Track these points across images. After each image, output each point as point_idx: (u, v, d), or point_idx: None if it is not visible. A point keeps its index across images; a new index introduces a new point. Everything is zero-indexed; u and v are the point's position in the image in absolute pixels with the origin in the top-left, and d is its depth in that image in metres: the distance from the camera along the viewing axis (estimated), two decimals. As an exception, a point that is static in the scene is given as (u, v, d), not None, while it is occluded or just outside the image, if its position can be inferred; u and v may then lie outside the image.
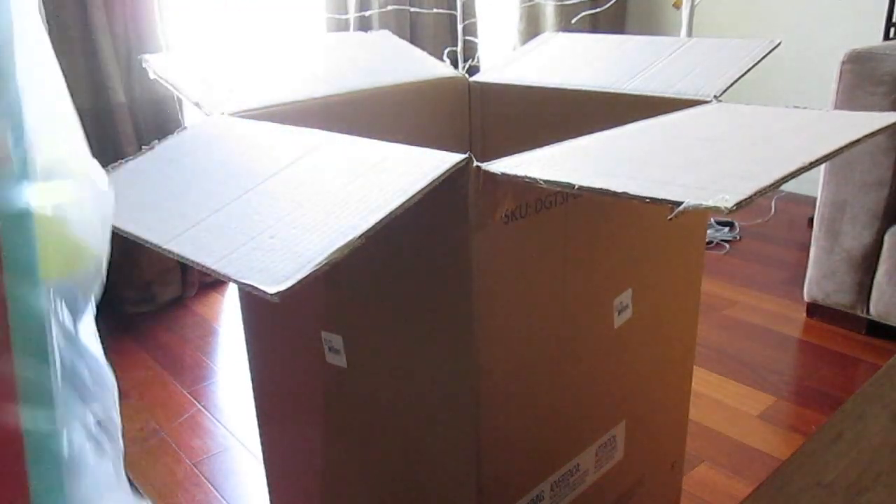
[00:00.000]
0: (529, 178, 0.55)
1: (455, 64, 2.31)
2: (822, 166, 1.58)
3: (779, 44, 0.88)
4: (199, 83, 0.84)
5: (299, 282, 0.46)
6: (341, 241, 0.48)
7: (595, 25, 2.79)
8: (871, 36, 2.40)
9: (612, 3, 2.68)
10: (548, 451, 0.74)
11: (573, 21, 2.61)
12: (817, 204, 1.62)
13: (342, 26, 2.17)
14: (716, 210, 0.47)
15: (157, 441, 1.32)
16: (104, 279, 0.46)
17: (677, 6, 2.20)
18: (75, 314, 0.43)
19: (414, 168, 0.55)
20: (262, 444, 0.93)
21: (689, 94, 0.84)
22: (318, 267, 0.47)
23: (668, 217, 0.48)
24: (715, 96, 0.82)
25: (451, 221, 0.59)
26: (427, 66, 1.06)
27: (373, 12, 2.20)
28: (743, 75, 0.85)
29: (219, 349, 1.66)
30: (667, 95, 0.86)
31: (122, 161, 0.74)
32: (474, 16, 2.42)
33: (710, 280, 1.96)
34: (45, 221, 0.39)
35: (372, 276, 0.68)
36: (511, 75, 1.04)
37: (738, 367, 1.52)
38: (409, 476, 0.74)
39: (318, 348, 0.76)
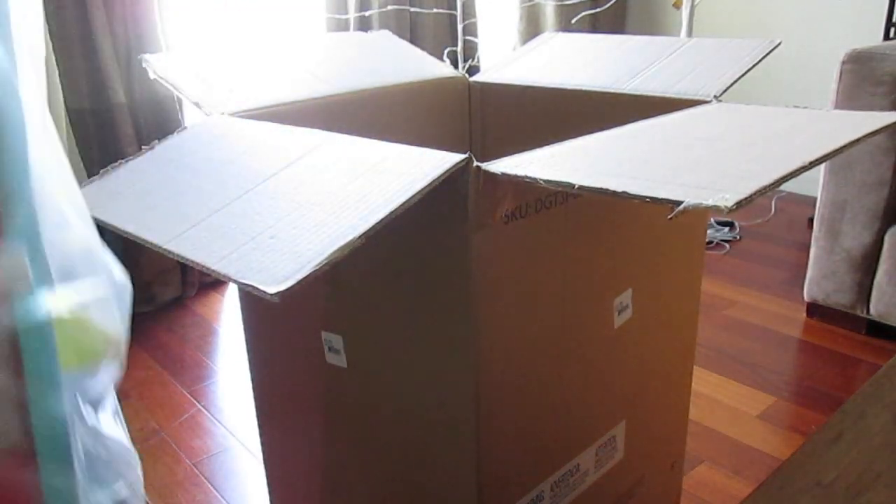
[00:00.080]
0: (529, 178, 0.55)
1: (455, 64, 2.31)
2: (822, 166, 1.58)
3: (779, 44, 0.88)
4: (199, 83, 0.84)
5: (299, 282, 0.46)
6: (341, 241, 0.48)
7: (595, 25, 2.79)
8: (871, 36, 2.40)
9: (612, 3, 2.68)
10: (548, 451, 0.74)
11: (573, 21, 2.61)
12: (817, 204, 1.62)
13: (342, 26, 2.17)
14: (716, 210, 0.47)
15: (157, 441, 1.32)
16: (125, 363, 0.47)
17: (677, 6, 2.20)
18: (97, 403, 0.45)
19: (414, 168, 0.55)
20: (262, 444, 0.93)
21: (689, 94, 0.84)
22: (318, 267, 0.47)
23: (668, 217, 0.48)
24: (715, 96, 0.82)
25: (451, 221, 0.59)
26: (427, 66, 1.06)
27: (373, 12, 2.20)
28: (743, 75, 0.85)
29: (219, 349, 1.66)
30: (667, 95, 0.86)
31: (122, 161, 0.74)
32: (474, 16, 2.42)
33: (710, 280, 1.96)
34: (65, 323, 0.40)
35: (372, 275, 0.68)
36: (511, 75, 1.04)
37: (738, 367, 1.52)
38: (409, 476, 0.74)
39: (318, 348, 0.76)
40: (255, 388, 0.90)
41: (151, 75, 0.84)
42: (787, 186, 2.70)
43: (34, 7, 0.38)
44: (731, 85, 0.84)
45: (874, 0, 2.37)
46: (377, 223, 0.50)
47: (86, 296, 0.43)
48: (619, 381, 0.81)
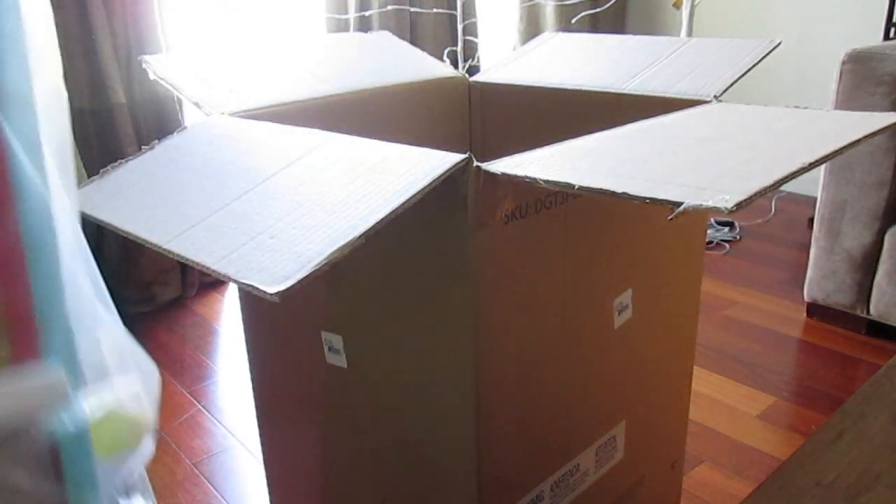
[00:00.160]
0: (529, 178, 0.55)
1: (455, 64, 2.31)
2: (823, 166, 1.58)
3: (779, 44, 0.88)
4: (199, 83, 0.84)
5: (299, 282, 0.46)
6: (341, 241, 0.48)
7: (595, 25, 2.79)
8: (871, 36, 2.40)
9: (612, 3, 2.68)
10: (548, 451, 0.74)
11: (573, 21, 2.61)
12: (817, 204, 1.62)
13: (342, 26, 2.17)
14: (716, 210, 0.47)
15: (157, 441, 1.32)
16: (153, 447, 0.49)
17: (677, 6, 2.20)
18: (130, 487, 0.46)
19: (414, 168, 0.55)
20: (262, 444, 0.93)
21: (689, 94, 0.84)
22: (318, 267, 0.47)
23: (668, 217, 0.48)
24: (715, 96, 0.82)
25: (451, 221, 0.59)
26: (427, 66, 1.06)
27: (373, 12, 2.20)
28: (743, 75, 0.85)
29: (219, 349, 1.66)
30: (667, 95, 0.86)
31: (122, 161, 0.74)
32: (474, 16, 2.42)
33: (710, 280, 1.96)
34: (99, 422, 0.42)
35: (372, 276, 0.68)
36: (511, 75, 1.04)
37: (738, 367, 1.52)
38: (409, 476, 0.74)
39: (318, 348, 0.76)
40: (255, 388, 0.90)
41: (151, 76, 0.84)
42: (787, 186, 2.70)
43: (62, 109, 0.39)
44: (731, 85, 0.84)
45: (874, 0, 2.37)
46: (377, 223, 0.50)
47: (119, 394, 0.45)
48: (619, 381, 0.81)
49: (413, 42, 2.26)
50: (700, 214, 0.89)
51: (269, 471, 0.94)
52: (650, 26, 3.00)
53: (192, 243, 0.55)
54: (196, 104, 0.81)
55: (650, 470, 0.92)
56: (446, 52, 2.33)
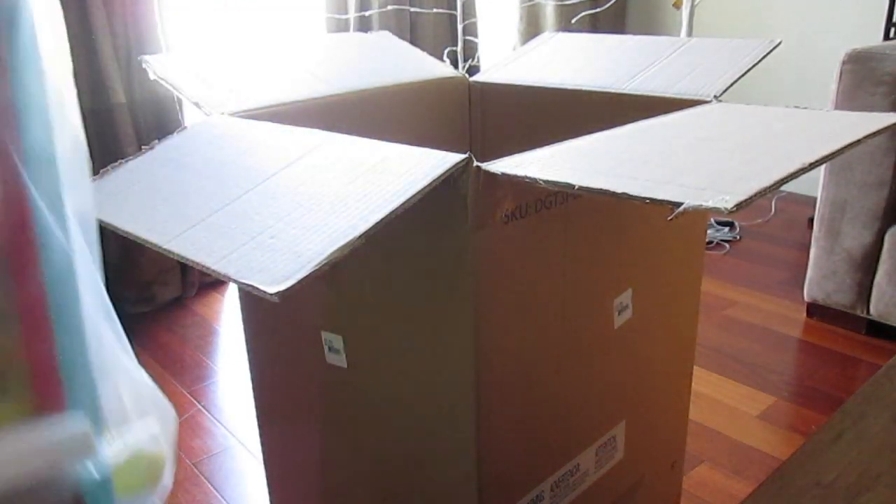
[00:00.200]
0: (529, 178, 0.55)
1: (455, 64, 2.31)
2: (823, 166, 1.58)
3: (779, 44, 0.88)
4: (199, 83, 0.84)
5: (299, 282, 0.46)
6: (341, 241, 0.48)
7: (595, 25, 2.79)
8: (871, 36, 2.40)
9: (612, 3, 2.68)
10: (548, 451, 0.74)
11: (573, 21, 2.61)
12: (817, 204, 1.62)
13: (342, 26, 2.17)
14: (716, 210, 0.47)
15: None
16: (171, 481, 0.50)
17: (677, 6, 2.20)
18: None
19: (414, 168, 0.55)
20: (262, 444, 0.93)
21: (689, 94, 0.84)
22: (318, 267, 0.47)
23: (668, 217, 0.48)
24: (715, 96, 0.82)
25: (451, 221, 0.59)
26: (427, 66, 1.06)
27: (373, 12, 2.20)
28: (743, 75, 0.85)
29: (219, 349, 1.66)
30: (667, 95, 0.86)
31: (122, 161, 0.74)
32: (474, 16, 2.42)
33: (710, 280, 1.96)
34: (120, 467, 0.43)
35: (372, 275, 0.68)
36: (511, 75, 1.04)
37: (738, 367, 1.52)
38: (409, 476, 0.74)
39: (318, 348, 0.76)
40: (255, 388, 0.90)
41: (151, 76, 0.84)
42: (787, 186, 2.70)
43: (84, 174, 0.40)
44: (731, 85, 0.84)
45: (874, 0, 2.37)
46: (377, 223, 0.50)
47: (139, 436, 0.46)
48: (619, 381, 0.81)
49: (413, 42, 2.26)
50: (700, 214, 0.89)
51: (269, 471, 0.94)
52: (650, 26, 3.00)
53: (192, 243, 0.55)
54: (196, 104, 0.81)
55: (650, 470, 0.92)
56: (446, 52, 2.33)
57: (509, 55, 1.09)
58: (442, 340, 0.64)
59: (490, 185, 0.58)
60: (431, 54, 1.12)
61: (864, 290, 1.58)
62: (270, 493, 0.96)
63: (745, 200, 0.47)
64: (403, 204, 0.51)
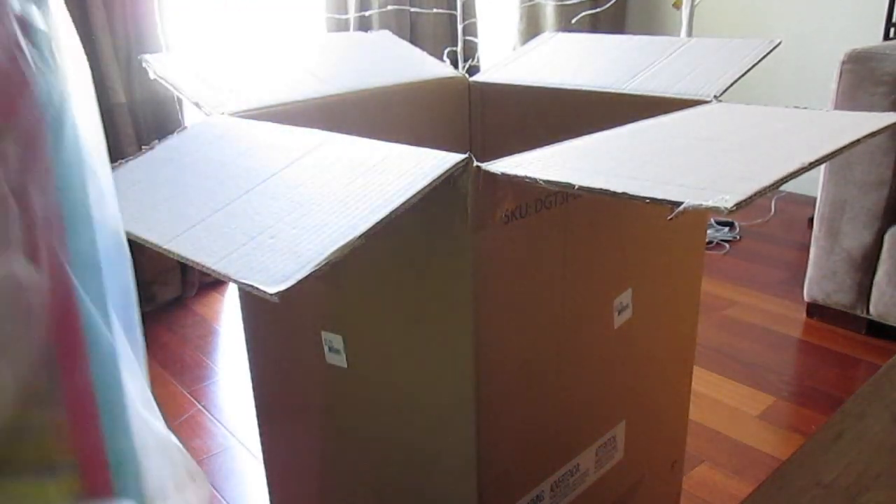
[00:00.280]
0: (529, 178, 0.55)
1: (455, 64, 2.31)
2: (822, 166, 1.58)
3: (779, 44, 0.88)
4: (199, 83, 0.84)
5: (299, 282, 0.46)
6: (341, 241, 0.48)
7: (595, 25, 2.79)
8: (871, 36, 2.40)
9: (612, 3, 2.68)
10: (548, 451, 0.74)
11: (573, 21, 2.61)
12: (817, 204, 1.62)
13: (342, 26, 2.17)
14: (716, 210, 0.47)
15: (157, 441, 1.32)
16: None
17: (677, 6, 2.20)
18: None
19: (414, 168, 0.55)
20: (262, 444, 0.93)
21: (689, 94, 0.84)
22: (318, 267, 0.47)
23: (668, 217, 0.48)
24: (715, 96, 0.82)
25: (451, 221, 0.59)
26: (427, 66, 1.06)
27: (373, 12, 2.20)
28: (743, 75, 0.85)
29: (219, 349, 1.66)
30: (667, 95, 0.86)
31: (122, 161, 0.74)
32: (474, 16, 2.42)
33: (710, 280, 1.96)
34: None
35: (372, 276, 0.68)
36: (511, 75, 1.04)
37: (738, 367, 1.52)
38: (409, 476, 0.74)
39: (318, 348, 0.76)
40: (255, 388, 0.90)
41: (151, 75, 0.84)
42: (786, 186, 2.70)
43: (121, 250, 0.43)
44: (731, 85, 0.84)
45: (874, 0, 2.37)
46: (377, 223, 0.50)
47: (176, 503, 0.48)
48: (619, 381, 0.81)
49: (413, 42, 2.26)
50: (700, 214, 0.89)
51: (269, 471, 0.94)
52: (650, 26, 3.00)
53: (192, 243, 0.55)
54: (196, 104, 0.81)
55: (650, 470, 0.92)
56: (446, 52, 2.33)
57: (509, 55, 1.09)
58: (442, 340, 0.64)
59: (490, 185, 0.58)
60: (431, 54, 1.12)
61: (864, 290, 1.58)
62: (270, 493, 0.96)
63: (745, 200, 0.47)
64: (403, 204, 0.51)
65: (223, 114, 0.80)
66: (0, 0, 0.34)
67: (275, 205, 0.56)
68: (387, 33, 1.13)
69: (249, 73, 0.90)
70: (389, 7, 2.23)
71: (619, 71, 0.94)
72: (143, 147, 0.76)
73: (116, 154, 1.70)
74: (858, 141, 0.60)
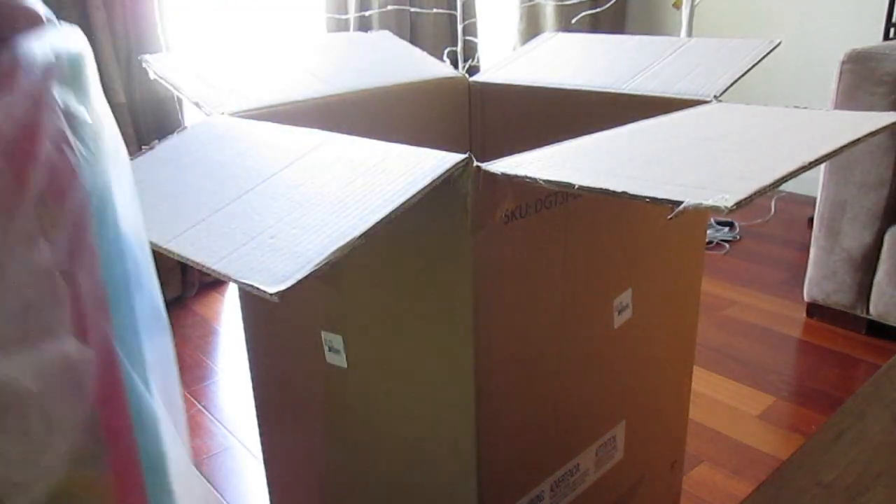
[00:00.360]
0: (529, 178, 0.55)
1: (455, 64, 2.31)
2: (822, 166, 1.58)
3: (779, 44, 0.88)
4: (199, 83, 0.84)
5: (299, 282, 0.46)
6: (341, 241, 0.48)
7: (595, 25, 2.79)
8: (871, 36, 2.40)
9: (612, 3, 2.68)
10: (548, 451, 0.74)
11: (573, 21, 2.61)
12: (817, 204, 1.62)
13: (342, 26, 2.17)
14: (716, 210, 0.47)
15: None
16: None
17: (677, 6, 2.20)
18: None
19: (414, 168, 0.55)
20: (262, 444, 0.93)
21: (689, 94, 0.84)
22: (318, 267, 0.47)
23: (668, 217, 0.48)
24: (715, 96, 0.82)
25: (451, 221, 0.59)
26: (427, 66, 1.06)
27: (373, 12, 2.20)
28: (743, 75, 0.85)
29: (219, 349, 1.66)
30: (667, 95, 0.86)
31: (122, 161, 0.74)
32: (474, 16, 2.42)
33: (710, 280, 1.96)
34: None
35: (372, 275, 0.68)
36: (511, 75, 1.04)
37: (738, 367, 1.52)
38: (408, 476, 0.74)
39: (318, 348, 0.76)
40: (255, 388, 0.90)
41: (151, 75, 0.84)
42: (786, 186, 2.70)
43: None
44: (731, 85, 0.84)
45: (874, 0, 2.38)
46: (377, 223, 0.50)
47: None
48: (619, 381, 0.81)
49: (413, 42, 2.26)
50: (700, 214, 0.89)
51: (269, 471, 0.94)
52: (650, 26, 3.00)
53: (192, 243, 0.55)
54: (196, 104, 0.81)
55: (650, 470, 0.92)
56: (446, 52, 2.33)
57: (509, 55, 1.09)
58: (442, 340, 0.64)
59: (490, 185, 0.58)
60: (431, 54, 1.12)
61: (864, 290, 1.58)
62: (270, 493, 0.96)
63: (745, 199, 0.47)
64: (403, 204, 0.51)
65: (223, 114, 0.80)
66: (49, 97, 0.37)
67: (275, 205, 0.56)
68: (387, 33, 1.13)
69: (249, 73, 0.90)
70: (389, 7, 2.23)
71: (619, 71, 0.94)
72: (143, 147, 0.76)
73: (116, 154, 1.70)
74: (858, 141, 0.60)
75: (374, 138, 0.63)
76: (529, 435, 0.71)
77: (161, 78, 0.83)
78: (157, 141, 0.76)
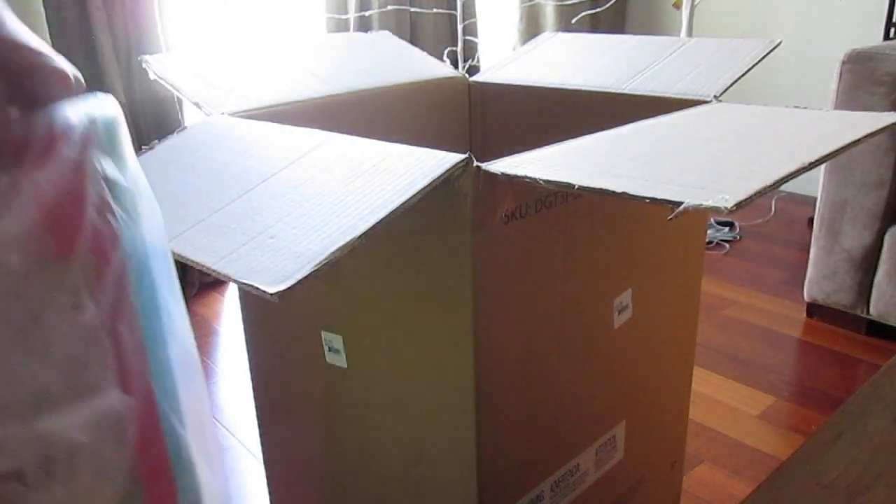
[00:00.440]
0: (529, 178, 0.55)
1: (455, 64, 2.31)
2: (822, 166, 1.58)
3: (779, 44, 0.88)
4: (199, 83, 0.84)
5: (299, 282, 0.46)
6: (341, 241, 0.48)
7: (595, 25, 2.79)
8: (871, 36, 2.40)
9: (612, 3, 2.68)
10: (548, 451, 0.74)
11: (573, 21, 2.61)
12: (817, 204, 1.62)
13: (342, 26, 2.17)
14: (716, 210, 0.47)
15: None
16: None
17: (677, 6, 2.20)
18: None
19: (414, 168, 0.55)
20: (262, 444, 0.93)
21: (689, 94, 0.84)
22: (318, 267, 0.47)
23: (668, 217, 0.48)
24: (715, 96, 0.82)
25: (451, 221, 0.59)
26: (427, 66, 1.06)
27: (373, 12, 2.20)
28: (743, 75, 0.85)
29: (219, 349, 1.66)
30: (667, 95, 0.86)
31: (122, 161, 0.74)
32: (474, 16, 2.42)
33: (710, 280, 1.96)
34: None
35: (372, 275, 0.68)
36: (511, 75, 1.04)
37: (738, 367, 1.52)
38: (409, 476, 0.74)
39: (318, 348, 0.76)
40: (255, 388, 0.90)
41: (151, 75, 0.84)
42: (787, 186, 2.70)
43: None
44: (731, 85, 0.84)
45: (874, 0, 2.37)
46: (377, 223, 0.50)
47: None
48: (619, 381, 0.81)
49: (413, 42, 2.26)
50: (700, 214, 0.89)
51: (269, 471, 0.94)
52: (650, 26, 3.00)
53: (192, 243, 0.55)
54: (196, 104, 0.81)
55: (650, 470, 0.92)
56: (446, 52, 2.33)
57: (509, 55, 1.09)
58: (442, 340, 0.64)
59: (490, 185, 0.58)
60: (431, 54, 1.12)
61: (864, 290, 1.58)
62: (270, 493, 0.96)
63: (745, 200, 0.47)
64: (403, 204, 0.51)
65: (223, 114, 0.80)
66: (91, 165, 0.40)
67: (275, 205, 0.56)
68: (387, 33, 1.13)
69: (249, 73, 0.90)
70: (389, 7, 2.23)
71: (619, 71, 0.94)
72: (143, 147, 0.76)
73: (116, 154, 1.70)
74: (858, 141, 0.60)
75: (374, 138, 0.63)
76: (529, 435, 0.71)
77: (161, 78, 0.83)
78: (157, 141, 0.76)
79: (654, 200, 0.49)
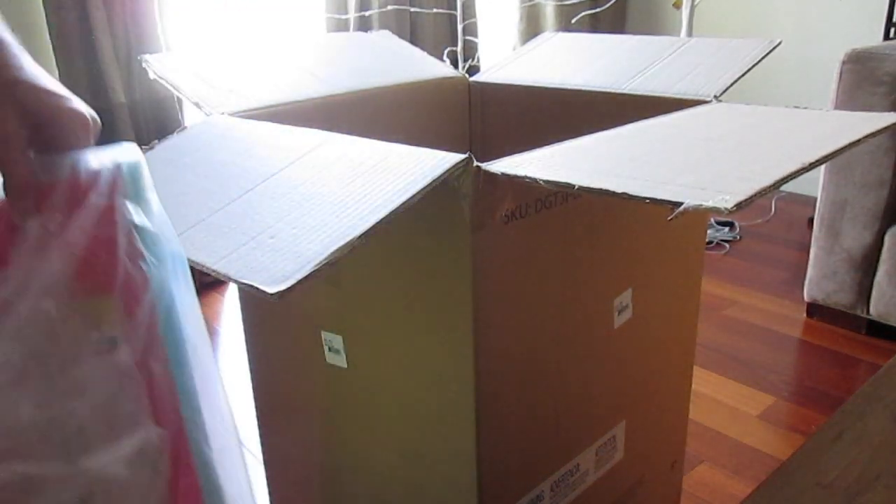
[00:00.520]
0: (529, 178, 0.55)
1: (455, 64, 2.31)
2: (823, 166, 1.58)
3: (779, 44, 0.88)
4: (199, 83, 0.84)
5: (299, 282, 0.46)
6: (341, 241, 0.48)
7: (595, 25, 2.79)
8: (871, 36, 2.40)
9: (612, 3, 2.68)
10: (548, 451, 0.74)
11: (573, 21, 2.61)
12: (817, 204, 1.62)
13: (342, 26, 2.17)
14: (716, 210, 0.47)
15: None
16: None
17: (677, 6, 2.20)
18: None
19: (414, 168, 0.55)
20: (262, 444, 0.93)
21: (689, 94, 0.84)
22: (318, 267, 0.47)
23: (668, 217, 0.48)
24: (715, 96, 0.82)
25: (451, 221, 0.59)
26: (427, 66, 1.06)
27: (373, 12, 2.20)
28: (743, 75, 0.85)
29: (219, 349, 1.66)
30: (667, 95, 0.86)
31: (122, 161, 0.74)
32: (474, 16, 2.42)
33: (710, 280, 1.96)
34: None
35: (372, 275, 0.68)
36: (511, 75, 1.04)
37: (738, 367, 1.52)
38: (408, 476, 0.74)
39: (318, 348, 0.76)
40: (254, 389, 0.90)
41: (151, 75, 0.84)
42: (787, 186, 2.70)
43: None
44: (731, 85, 0.84)
45: (874, 0, 2.37)
46: (377, 223, 0.50)
47: None
48: (619, 381, 0.81)
49: (413, 42, 2.25)
50: (700, 214, 0.89)
51: (269, 471, 0.94)
52: (650, 26, 3.00)
53: (192, 243, 0.55)
54: (196, 104, 0.81)
55: (650, 470, 0.92)
56: (446, 52, 2.33)
57: (509, 55, 1.09)
58: (442, 340, 0.64)
59: (490, 185, 0.58)
60: (431, 54, 1.12)
61: (864, 290, 1.58)
62: (270, 493, 0.96)
63: (745, 200, 0.47)
64: (403, 204, 0.51)
65: (223, 114, 0.80)
66: (120, 213, 0.43)
67: (275, 205, 0.56)
68: (387, 33, 1.13)
69: (249, 73, 0.90)
70: (389, 7, 2.23)
71: (619, 71, 0.94)
72: (143, 147, 0.76)
73: (116, 154, 1.70)
74: (858, 141, 0.60)
75: (374, 138, 0.63)
76: (529, 435, 0.71)
77: (161, 78, 0.83)
78: (157, 141, 0.76)
79: (654, 201, 0.49)
